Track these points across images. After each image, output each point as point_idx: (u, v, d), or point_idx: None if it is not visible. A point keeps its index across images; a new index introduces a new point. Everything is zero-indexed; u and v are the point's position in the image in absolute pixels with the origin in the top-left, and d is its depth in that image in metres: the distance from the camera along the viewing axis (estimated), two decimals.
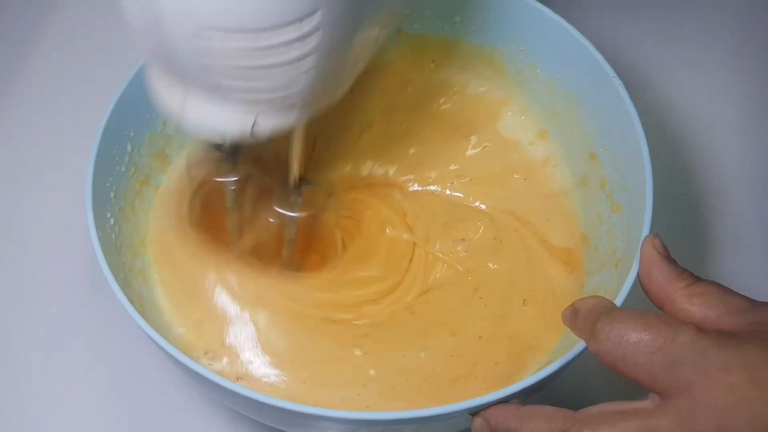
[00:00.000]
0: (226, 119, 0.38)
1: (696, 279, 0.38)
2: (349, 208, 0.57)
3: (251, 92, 0.36)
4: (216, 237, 0.54)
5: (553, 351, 0.49)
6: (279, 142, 0.51)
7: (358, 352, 0.50)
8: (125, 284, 0.46)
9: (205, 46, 0.34)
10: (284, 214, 0.52)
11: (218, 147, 0.50)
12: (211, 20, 0.33)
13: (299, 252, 0.54)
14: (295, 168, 0.50)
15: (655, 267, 0.40)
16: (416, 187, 0.58)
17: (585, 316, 0.38)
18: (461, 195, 0.57)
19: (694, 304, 0.37)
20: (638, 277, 0.41)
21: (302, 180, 0.52)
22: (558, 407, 0.37)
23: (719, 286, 0.38)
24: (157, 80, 0.39)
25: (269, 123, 0.38)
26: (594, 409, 0.36)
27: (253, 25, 0.33)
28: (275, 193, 0.53)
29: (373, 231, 0.56)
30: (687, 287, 0.38)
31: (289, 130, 0.40)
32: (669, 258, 0.40)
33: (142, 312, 0.43)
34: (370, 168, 0.58)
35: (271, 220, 0.53)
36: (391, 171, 0.58)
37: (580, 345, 0.41)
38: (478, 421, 0.40)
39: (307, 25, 0.34)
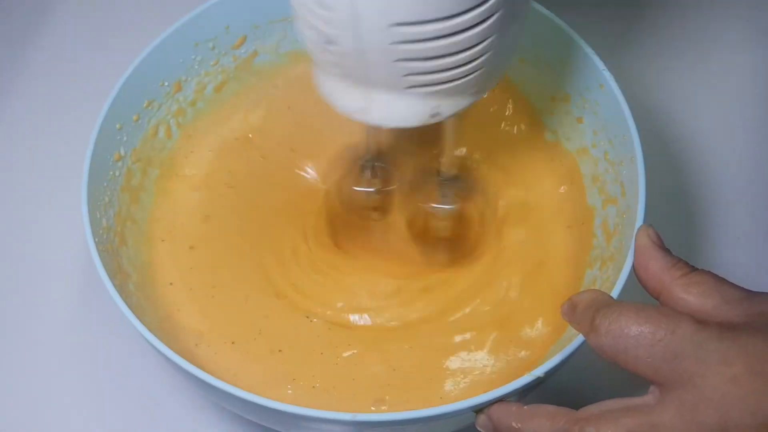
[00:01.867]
0: (410, 109, 0.40)
1: (692, 268, 0.39)
2: None
3: (436, 79, 0.38)
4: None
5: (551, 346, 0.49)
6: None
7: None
8: (122, 288, 0.46)
9: (399, 41, 0.36)
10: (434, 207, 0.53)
11: (360, 158, 0.52)
12: (404, 15, 0.35)
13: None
14: (448, 156, 0.50)
15: (650, 257, 0.40)
16: None
17: (583, 311, 0.38)
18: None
19: (690, 294, 0.37)
20: (633, 267, 0.41)
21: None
22: (560, 406, 0.37)
23: (715, 276, 0.38)
24: (335, 86, 0.41)
25: (450, 105, 0.40)
26: (595, 407, 0.36)
27: (443, 13, 0.35)
28: (418, 189, 0.54)
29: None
30: (683, 276, 0.38)
31: (464, 110, 0.42)
32: (663, 247, 0.41)
33: (138, 315, 0.44)
34: None
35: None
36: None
37: (578, 339, 0.41)
38: (482, 418, 0.40)
39: (492, 6, 0.36)
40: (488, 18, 0.36)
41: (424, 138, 0.54)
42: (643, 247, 0.41)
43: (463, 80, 0.38)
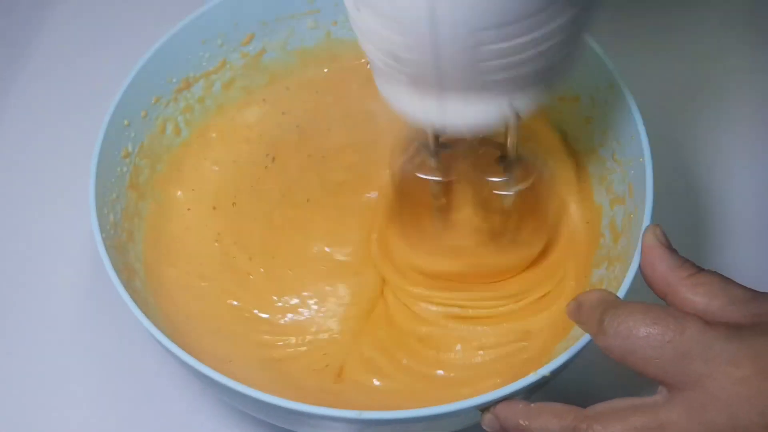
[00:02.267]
0: (487, 111, 0.38)
1: (698, 269, 0.39)
2: None
3: (513, 77, 0.36)
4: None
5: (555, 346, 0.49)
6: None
7: None
8: (128, 285, 0.46)
9: (480, 46, 0.34)
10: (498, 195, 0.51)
11: (426, 147, 0.49)
12: (486, 20, 0.33)
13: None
14: (512, 141, 0.48)
15: (657, 257, 0.40)
16: None
17: (590, 311, 0.38)
18: None
19: (697, 294, 0.37)
20: (640, 266, 0.41)
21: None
22: (566, 404, 0.37)
23: (722, 276, 0.38)
24: (407, 97, 0.39)
25: (526, 103, 0.39)
26: (603, 406, 0.36)
27: (524, 12, 0.33)
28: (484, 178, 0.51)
29: None
30: (690, 277, 0.38)
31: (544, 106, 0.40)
32: (671, 248, 0.41)
33: (146, 311, 0.44)
34: None
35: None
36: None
37: (584, 339, 0.41)
38: (488, 417, 0.40)
39: None
40: (562, 10, 0.34)
41: None
42: (650, 247, 0.41)
43: (534, 76, 0.37)
